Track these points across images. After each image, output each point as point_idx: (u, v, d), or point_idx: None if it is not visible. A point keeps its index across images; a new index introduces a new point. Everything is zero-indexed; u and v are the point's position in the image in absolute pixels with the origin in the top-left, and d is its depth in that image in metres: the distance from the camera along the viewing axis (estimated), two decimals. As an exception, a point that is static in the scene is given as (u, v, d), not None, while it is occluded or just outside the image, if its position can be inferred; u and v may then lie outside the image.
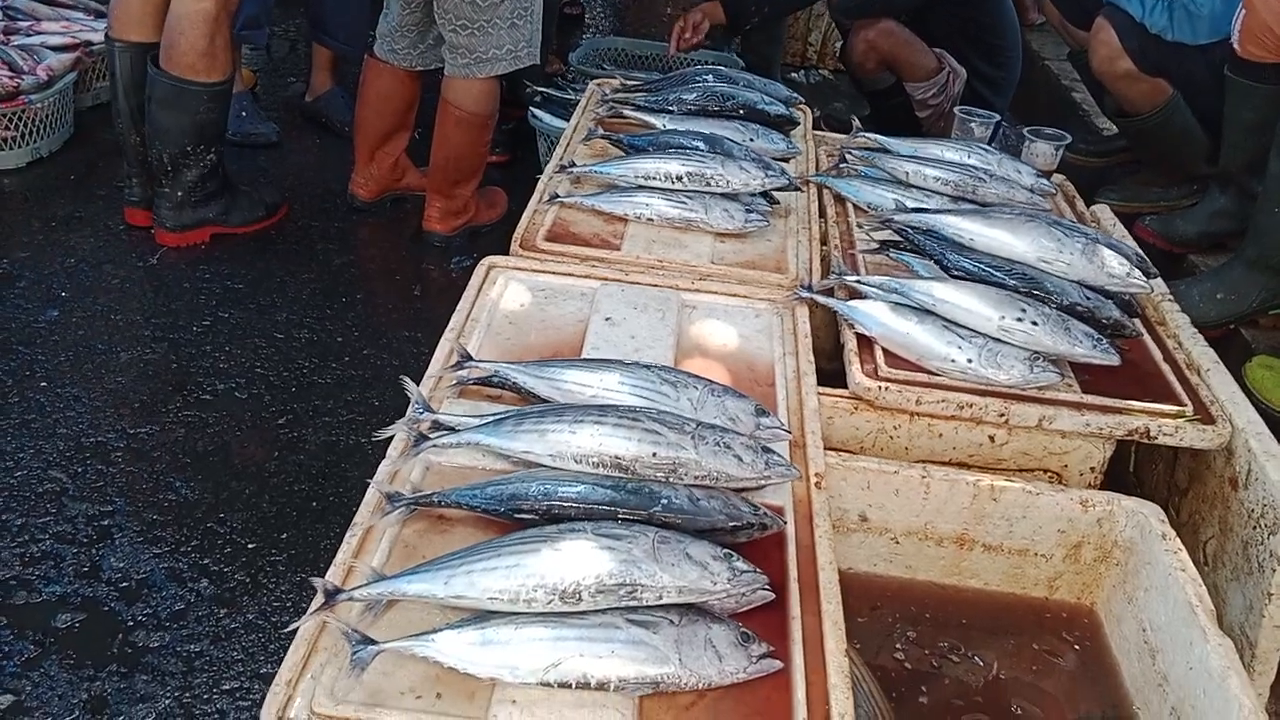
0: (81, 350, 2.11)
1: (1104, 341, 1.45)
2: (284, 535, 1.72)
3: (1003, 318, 1.44)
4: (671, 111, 2.12)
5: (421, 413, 1.17)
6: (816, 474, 1.21)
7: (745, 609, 1.01)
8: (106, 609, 1.55)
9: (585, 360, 1.32)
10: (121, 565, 1.62)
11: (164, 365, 2.10)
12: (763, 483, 1.12)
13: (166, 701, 1.43)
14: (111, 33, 2.43)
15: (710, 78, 2.24)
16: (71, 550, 1.64)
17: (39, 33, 3.03)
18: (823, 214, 1.94)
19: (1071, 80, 3.40)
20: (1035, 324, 1.44)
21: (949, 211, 1.68)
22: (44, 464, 1.80)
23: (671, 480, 1.08)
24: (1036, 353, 1.43)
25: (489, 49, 2.41)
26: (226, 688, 1.45)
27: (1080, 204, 2.06)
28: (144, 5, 2.39)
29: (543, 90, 3.08)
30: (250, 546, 1.68)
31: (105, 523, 1.70)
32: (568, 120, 2.92)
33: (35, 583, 1.58)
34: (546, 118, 2.96)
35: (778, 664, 0.95)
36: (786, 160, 2.07)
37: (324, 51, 3.20)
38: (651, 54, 3.74)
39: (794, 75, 4.08)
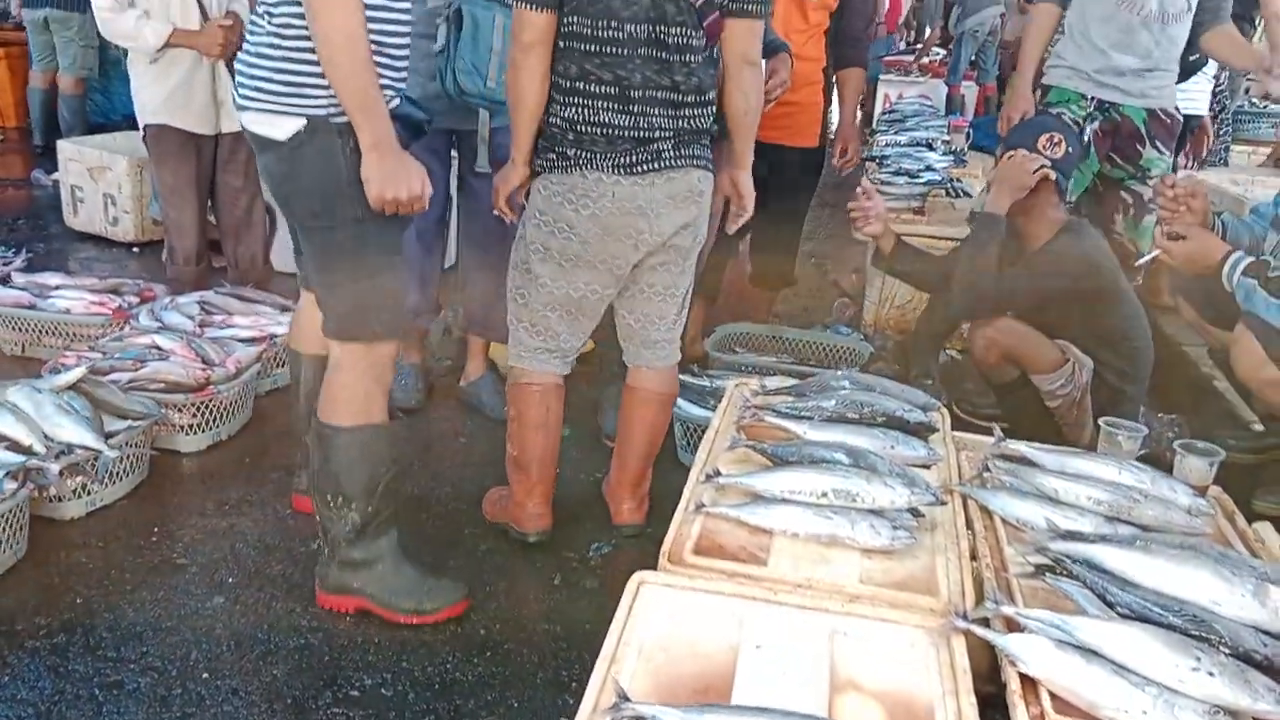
0: (243, 639, 2.20)
1: (1290, 696, 1.37)
2: None
3: (1176, 665, 1.38)
4: (811, 419, 2.19)
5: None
6: (990, 847, 1.15)
7: None
8: None
9: (741, 708, 1.32)
10: None
11: (318, 657, 2.16)
12: None
13: None
14: (291, 344, 2.58)
15: (847, 384, 2.32)
16: None
17: (230, 326, 3.39)
18: (969, 526, 1.93)
19: (1212, 367, 3.37)
20: (1211, 674, 1.37)
21: (1106, 540, 1.66)
22: (200, 762, 1.85)
23: None
24: (1216, 706, 1.36)
25: (676, 338, 2.61)
26: None
27: (1240, 520, 2.00)
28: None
29: (679, 377, 3.22)
30: None
31: (253, 831, 1.71)
32: (704, 407, 3.06)
33: None
34: (685, 405, 3.08)
35: None
36: (928, 467, 2.10)
37: (479, 340, 3.44)
38: (783, 338, 3.90)
39: (923, 355, 4.15)
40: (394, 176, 1.89)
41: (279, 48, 1.90)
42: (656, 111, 2.24)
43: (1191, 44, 3.47)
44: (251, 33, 1.98)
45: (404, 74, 2.07)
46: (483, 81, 2.88)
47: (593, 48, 2.17)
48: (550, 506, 2.66)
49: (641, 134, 2.24)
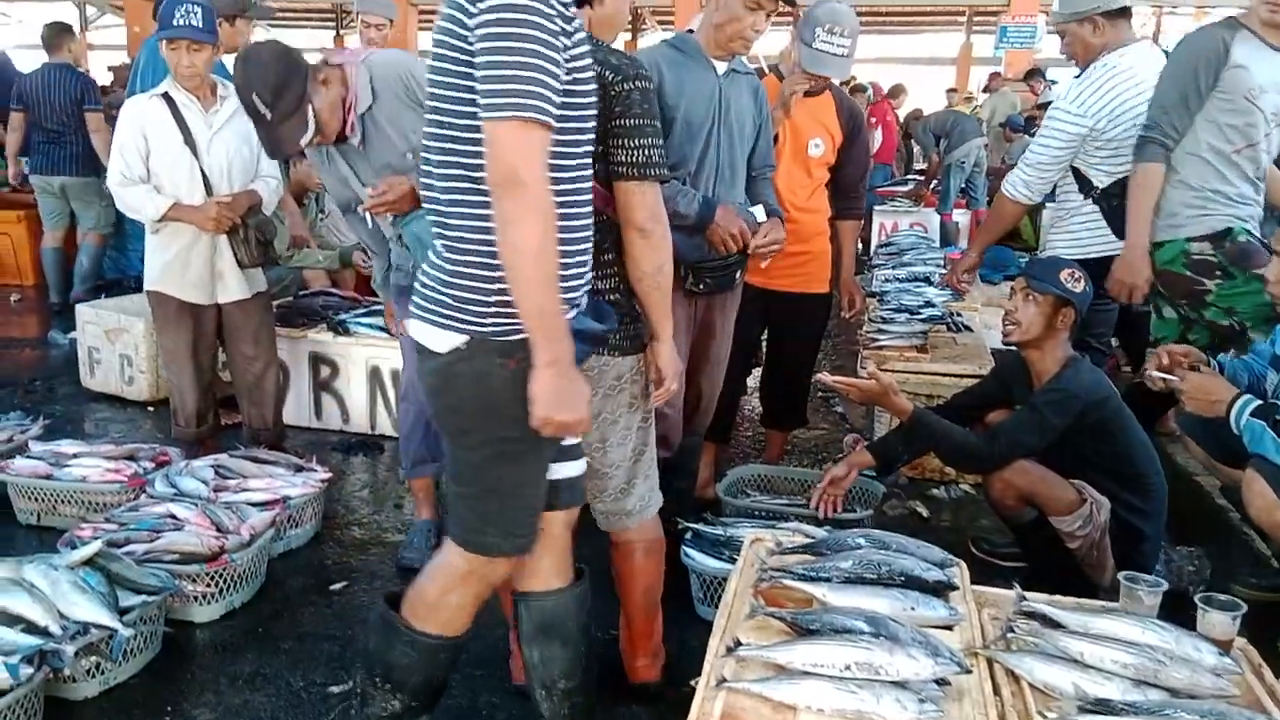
0: (258, 830, 2.15)
1: None
2: None
3: None
4: (829, 580, 2.19)
5: None
6: None
7: None
8: None
9: None
10: None
11: (334, 847, 2.11)
12: None
13: None
14: (515, 585, 2.24)
15: (863, 541, 2.33)
16: None
17: (245, 490, 3.40)
18: (997, 691, 1.90)
19: (1226, 501, 3.36)
20: None
21: (1135, 710, 1.64)
22: None
23: None
24: None
25: (633, 507, 2.51)
26: None
27: (1268, 674, 1.97)
28: None
29: (692, 526, 3.20)
30: None
31: None
32: (718, 558, 3.04)
33: None
34: (699, 557, 3.05)
35: None
36: (950, 628, 2.08)
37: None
38: (798, 479, 3.89)
39: (935, 491, 4.14)
40: (561, 398, 1.76)
41: (452, 261, 1.83)
42: None
43: None
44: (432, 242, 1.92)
45: (578, 288, 1.96)
46: None
47: None
48: None
49: None
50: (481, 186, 1.75)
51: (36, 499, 3.54)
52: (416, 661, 2.07)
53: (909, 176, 10.97)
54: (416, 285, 1.94)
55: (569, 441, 2.09)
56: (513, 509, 1.98)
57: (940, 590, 2.17)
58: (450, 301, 1.84)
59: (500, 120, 1.67)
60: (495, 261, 1.75)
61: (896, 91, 12.37)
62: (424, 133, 1.87)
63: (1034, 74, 11.28)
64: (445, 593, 2.04)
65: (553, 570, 2.18)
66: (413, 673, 2.08)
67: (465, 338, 1.84)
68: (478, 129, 1.72)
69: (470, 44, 1.70)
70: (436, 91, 1.81)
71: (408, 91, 2.95)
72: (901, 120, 12.47)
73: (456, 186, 1.80)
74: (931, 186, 9.76)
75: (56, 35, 6.91)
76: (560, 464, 2.11)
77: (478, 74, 1.69)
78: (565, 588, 2.20)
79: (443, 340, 1.86)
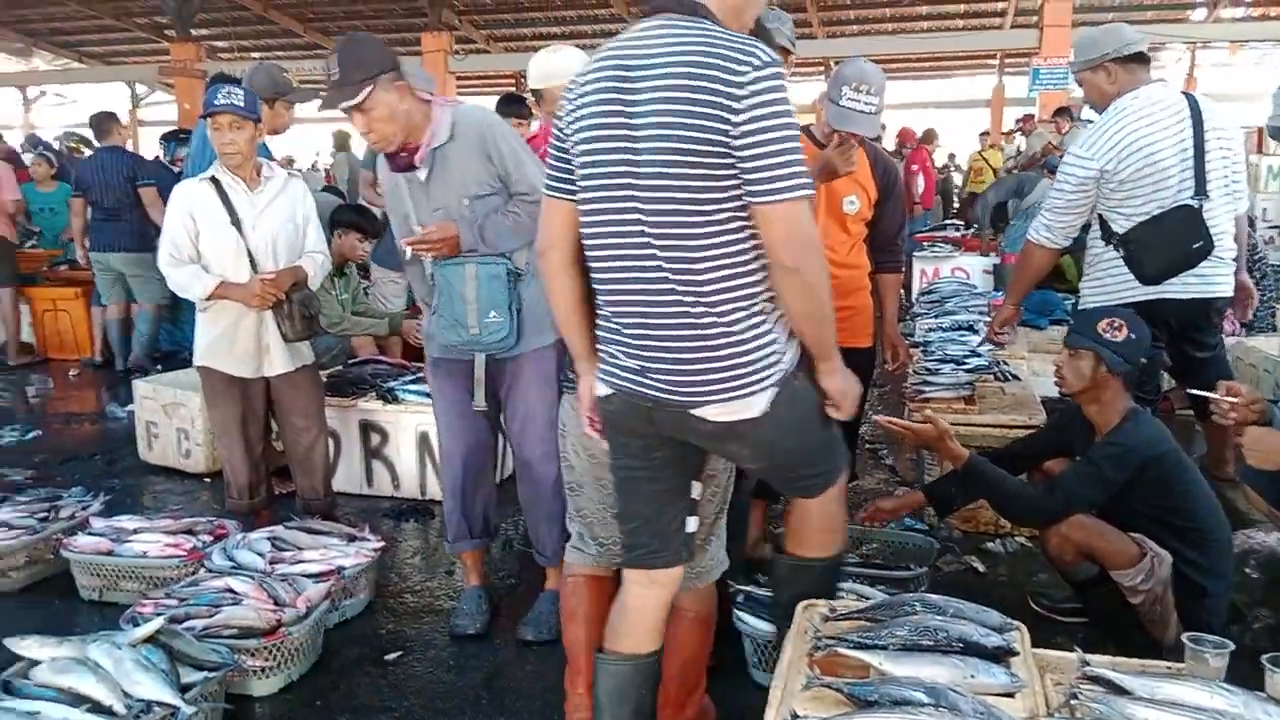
0: None
1: None
2: None
3: None
4: (885, 648, 2.16)
5: None
6: None
7: None
8: None
9: None
10: None
11: None
12: None
13: None
14: (607, 644, 2.36)
15: (919, 606, 2.30)
16: None
17: (300, 561, 3.44)
18: (1062, 761, 1.87)
19: (1291, 549, 3.28)
20: None
21: (1208, 784, 1.60)
22: None
23: None
24: None
25: (706, 560, 2.53)
26: None
27: (1347, 742, 1.91)
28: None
29: (744, 589, 3.17)
30: None
31: None
32: (771, 621, 3.00)
33: None
34: (752, 621, 3.02)
35: None
36: (1011, 695, 2.05)
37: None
38: (849, 535, 3.85)
39: (990, 544, 4.07)
40: (849, 390, 2.17)
41: (731, 334, 2.01)
42: None
43: (1196, 228, 3.48)
44: (675, 333, 2.02)
45: None
46: (464, 330, 3.10)
47: None
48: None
49: None
50: (740, 259, 1.97)
51: (99, 575, 3.61)
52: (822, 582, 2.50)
53: (947, 221, 10.91)
54: (678, 380, 2.05)
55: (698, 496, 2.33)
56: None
57: (1000, 656, 2.14)
58: (751, 369, 2.03)
59: (789, 201, 1.88)
60: (765, 317, 2.02)
61: (930, 137, 12.40)
62: (650, 227, 1.98)
63: (1062, 112, 11.20)
64: (839, 517, 2.44)
65: (654, 631, 2.34)
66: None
67: (776, 388, 2.06)
68: (733, 210, 1.93)
69: (732, 136, 1.87)
70: (676, 184, 1.93)
71: (484, 142, 3.07)
72: (939, 165, 12.42)
73: (720, 264, 1.97)
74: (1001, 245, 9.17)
75: (104, 122, 7.44)
76: (690, 518, 2.31)
77: (752, 159, 1.88)
78: (652, 654, 2.34)
79: (759, 404, 2.06)
